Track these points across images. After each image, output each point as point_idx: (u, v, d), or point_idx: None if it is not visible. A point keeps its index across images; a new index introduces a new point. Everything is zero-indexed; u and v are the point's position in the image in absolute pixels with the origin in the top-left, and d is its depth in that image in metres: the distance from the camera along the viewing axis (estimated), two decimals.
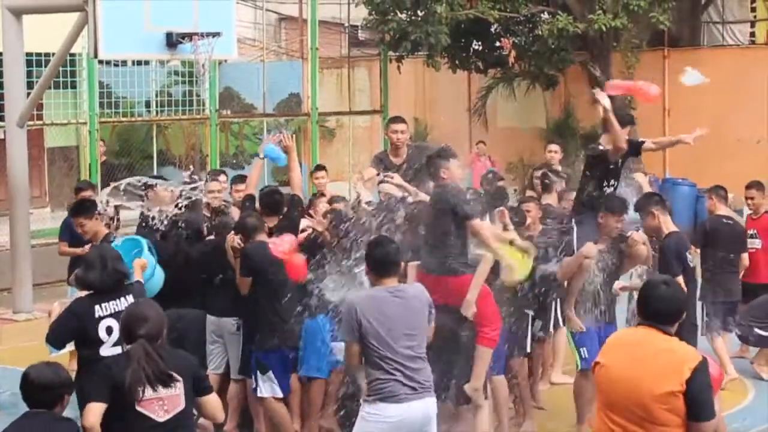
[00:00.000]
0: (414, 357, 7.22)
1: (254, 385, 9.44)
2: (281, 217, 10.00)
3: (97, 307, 7.49)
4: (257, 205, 10.28)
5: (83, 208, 10.11)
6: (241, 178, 11.69)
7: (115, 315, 7.44)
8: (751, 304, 12.04)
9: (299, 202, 10.28)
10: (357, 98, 25.88)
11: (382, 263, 7.36)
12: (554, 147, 12.96)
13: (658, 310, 5.79)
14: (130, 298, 7.59)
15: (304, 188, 12.94)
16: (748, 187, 12.72)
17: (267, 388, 9.42)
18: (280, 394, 9.42)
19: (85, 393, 6.58)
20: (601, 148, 9.88)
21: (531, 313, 10.14)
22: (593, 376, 6.03)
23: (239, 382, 9.78)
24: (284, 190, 10.77)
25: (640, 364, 5.69)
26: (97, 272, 7.56)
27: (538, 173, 12.10)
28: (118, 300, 7.55)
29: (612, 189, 9.76)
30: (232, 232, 9.53)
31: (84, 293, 7.65)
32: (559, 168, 12.60)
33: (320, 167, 13.68)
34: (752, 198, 12.65)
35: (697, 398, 5.60)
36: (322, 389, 9.72)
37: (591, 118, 23.64)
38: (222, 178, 11.74)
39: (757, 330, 11.92)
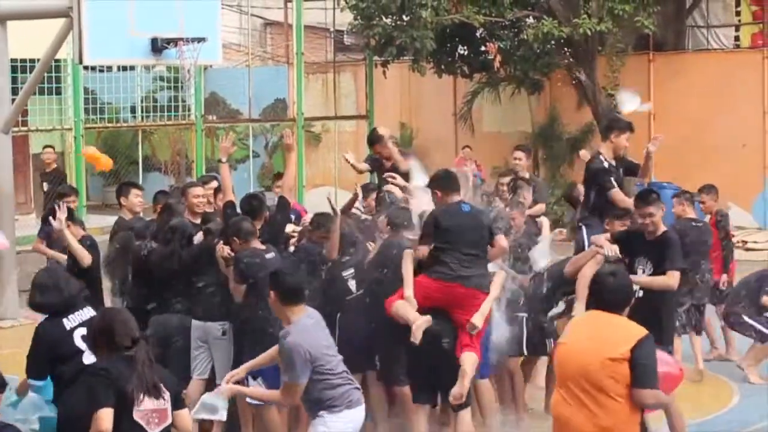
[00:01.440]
0: (341, 362, 7.54)
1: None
2: (264, 221, 9.99)
3: (64, 320, 7.45)
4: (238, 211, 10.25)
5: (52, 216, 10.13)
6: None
7: (85, 324, 7.40)
8: (733, 291, 12.32)
9: (286, 204, 10.26)
10: (343, 103, 25.89)
11: (295, 292, 7.44)
12: (519, 154, 12.84)
13: (608, 300, 6.39)
14: (92, 309, 7.60)
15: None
16: (700, 190, 12.84)
17: None
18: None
19: (75, 402, 6.53)
20: (602, 159, 10.08)
21: (524, 315, 10.17)
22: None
23: None
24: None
25: (591, 337, 6.30)
26: (53, 295, 7.53)
27: (505, 179, 12.06)
28: (81, 310, 7.55)
29: None
30: (221, 242, 9.49)
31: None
32: (527, 174, 12.56)
33: (281, 175, 12.68)
34: (703, 202, 12.83)
35: (640, 364, 6.15)
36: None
37: (576, 123, 23.74)
38: (213, 183, 11.54)
39: (746, 318, 12.04)
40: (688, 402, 10.19)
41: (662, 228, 9.27)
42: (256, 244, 9.42)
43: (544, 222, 11.72)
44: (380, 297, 9.36)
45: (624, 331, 6.31)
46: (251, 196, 10.31)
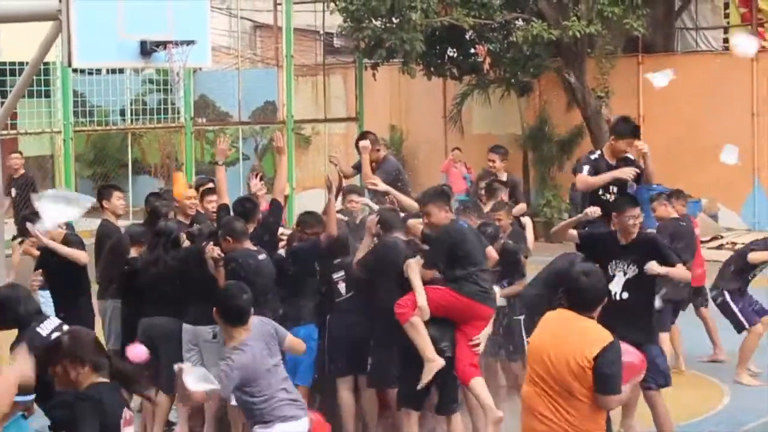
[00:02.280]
0: (287, 379, 7.71)
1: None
2: (257, 224, 9.98)
3: (38, 328, 7.45)
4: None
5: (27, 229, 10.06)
6: (212, 191, 11.25)
7: (57, 329, 7.39)
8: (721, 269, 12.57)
9: (279, 208, 10.25)
10: (332, 106, 25.89)
11: (239, 314, 7.55)
12: (492, 156, 12.75)
13: (579, 300, 6.52)
14: (57, 318, 7.61)
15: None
16: (669, 196, 12.93)
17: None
18: None
19: (59, 422, 6.49)
20: (595, 152, 10.19)
21: (521, 317, 10.19)
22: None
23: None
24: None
25: (559, 339, 6.45)
26: (10, 313, 7.52)
27: (483, 183, 12.04)
28: (48, 319, 7.57)
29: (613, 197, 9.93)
30: (211, 243, 9.47)
31: None
32: (504, 176, 12.54)
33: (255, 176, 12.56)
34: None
35: (603, 373, 6.29)
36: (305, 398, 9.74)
37: (566, 125, 23.76)
38: (209, 186, 11.48)
39: (727, 298, 12.22)
40: (678, 404, 10.22)
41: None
42: (248, 244, 9.42)
43: (528, 222, 11.72)
44: (372, 298, 9.38)
45: (591, 335, 6.42)
46: (244, 199, 10.32)
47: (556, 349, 6.40)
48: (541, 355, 6.47)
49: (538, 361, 6.49)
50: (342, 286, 9.72)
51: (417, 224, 9.35)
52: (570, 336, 6.43)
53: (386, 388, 9.53)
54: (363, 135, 12.23)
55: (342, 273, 9.71)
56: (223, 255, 9.35)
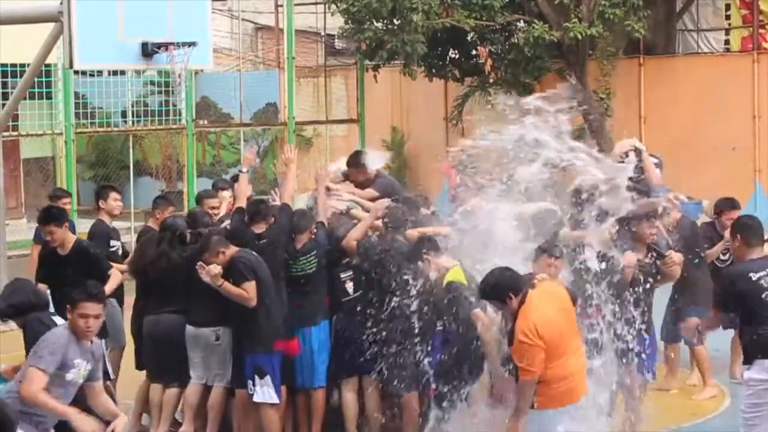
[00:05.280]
0: None
1: (251, 391, 9.40)
2: (270, 224, 9.99)
3: (54, 318, 7.53)
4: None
5: (53, 215, 10.04)
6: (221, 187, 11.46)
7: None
8: None
9: (289, 210, 10.30)
10: (334, 107, 25.88)
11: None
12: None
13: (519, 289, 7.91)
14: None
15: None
16: None
17: (263, 393, 9.37)
18: (276, 400, 9.39)
19: None
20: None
21: None
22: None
23: (221, 389, 9.75)
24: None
25: (560, 313, 8.02)
26: (21, 296, 7.59)
27: None
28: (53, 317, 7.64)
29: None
30: (205, 266, 9.42)
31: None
32: None
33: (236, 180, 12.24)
34: None
35: None
36: (324, 397, 9.78)
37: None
38: (227, 192, 11.49)
39: None
40: (681, 404, 10.20)
41: None
42: (234, 247, 9.46)
43: None
44: (382, 300, 9.38)
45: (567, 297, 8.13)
46: (258, 201, 10.43)
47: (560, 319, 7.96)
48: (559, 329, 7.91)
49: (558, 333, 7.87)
50: (350, 286, 9.71)
51: (414, 234, 9.38)
52: (559, 307, 7.99)
53: (403, 394, 9.44)
54: (355, 157, 11.66)
55: (350, 272, 9.70)
56: (220, 269, 9.34)
